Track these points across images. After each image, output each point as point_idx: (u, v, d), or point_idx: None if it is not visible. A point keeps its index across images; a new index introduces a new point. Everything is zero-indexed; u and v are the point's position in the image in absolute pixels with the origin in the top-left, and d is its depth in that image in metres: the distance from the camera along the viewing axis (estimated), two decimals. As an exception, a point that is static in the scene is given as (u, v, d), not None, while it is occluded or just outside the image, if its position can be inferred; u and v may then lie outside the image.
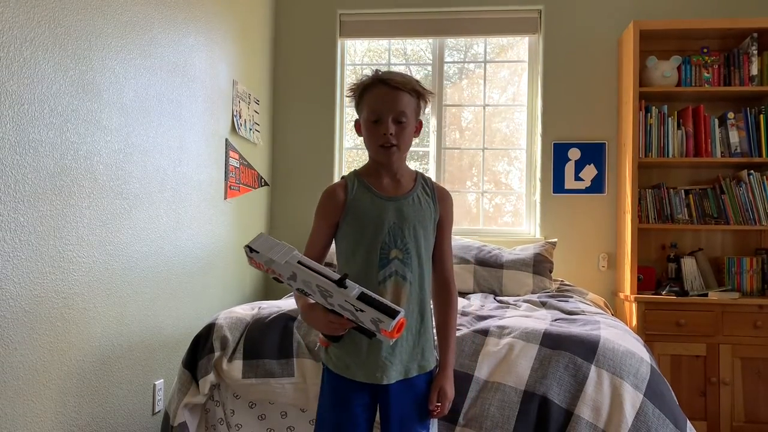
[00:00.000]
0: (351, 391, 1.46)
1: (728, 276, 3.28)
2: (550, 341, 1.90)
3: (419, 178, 1.54)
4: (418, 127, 1.51)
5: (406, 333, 1.45)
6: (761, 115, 3.23)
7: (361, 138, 1.51)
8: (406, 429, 1.46)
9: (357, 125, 1.51)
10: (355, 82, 1.50)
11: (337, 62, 3.80)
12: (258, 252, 1.25)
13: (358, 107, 1.50)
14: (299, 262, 1.23)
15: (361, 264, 1.45)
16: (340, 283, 1.21)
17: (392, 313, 1.17)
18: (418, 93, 1.47)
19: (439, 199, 1.54)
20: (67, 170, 1.85)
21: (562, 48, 3.62)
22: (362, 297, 1.19)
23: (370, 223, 1.45)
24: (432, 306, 1.57)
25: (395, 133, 1.43)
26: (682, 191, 3.33)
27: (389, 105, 1.42)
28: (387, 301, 1.20)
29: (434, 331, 1.56)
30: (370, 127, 1.45)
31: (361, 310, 1.18)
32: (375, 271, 1.43)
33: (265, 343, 2.02)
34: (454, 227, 3.72)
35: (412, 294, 1.46)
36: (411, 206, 1.48)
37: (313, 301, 1.33)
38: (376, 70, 1.49)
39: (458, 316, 2.31)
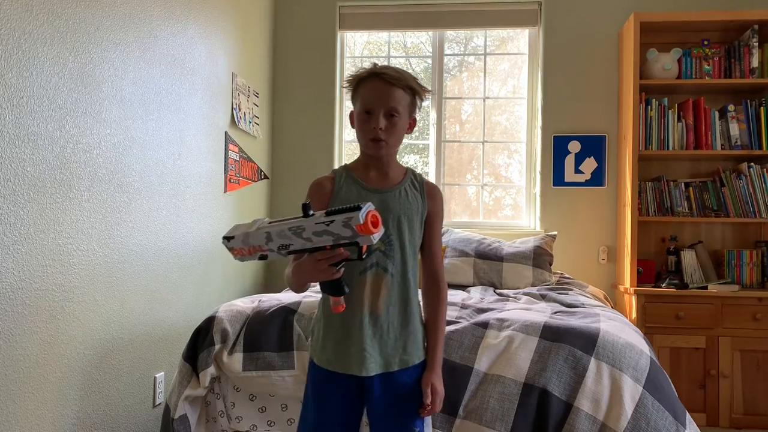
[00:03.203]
0: (333, 382, 1.46)
1: (728, 269, 3.28)
2: (550, 334, 1.91)
3: (409, 173, 1.54)
4: (412, 123, 1.51)
5: (387, 326, 1.44)
6: (761, 108, 3.22)
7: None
8: (391, 424, 1.46)
9: (351, 116, 1.52)
10: (352, 73, 1.50)
11: (337, 55, 3.79)
12: (233, 237, 1.28)
13: (353, 99, 1.50)
14: (270, 223, 1.26)
15: None
16: (306, 213, 1.23)
17: (357, 208, 1.17)
18: (412, 89, 1.46)
19: (428, 195, 1.53)
20: (67, 163, 1.85)
21: (563, 40, 3.61)
22: (329, 212, 1.20)
23: None
24: (421, 301, 1.55)
25: (385, 128, 1.42)
26: (682, 184, 3.33)
27: (382, 99, 1.42)
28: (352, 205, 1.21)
29: (422, 326, 1.54)
30: (362, 119, 1.45)
31: (331, 221, 1.19)
32: (356, 262, 1.42)
33: (266, 335, 2.02)
34: (454, 220, 3.80)
35: (393, 286, 1.45)
36: (397, 199, 1.47)
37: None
38: (374, 63, 1.49)
39: (459, 309, 2.33)
